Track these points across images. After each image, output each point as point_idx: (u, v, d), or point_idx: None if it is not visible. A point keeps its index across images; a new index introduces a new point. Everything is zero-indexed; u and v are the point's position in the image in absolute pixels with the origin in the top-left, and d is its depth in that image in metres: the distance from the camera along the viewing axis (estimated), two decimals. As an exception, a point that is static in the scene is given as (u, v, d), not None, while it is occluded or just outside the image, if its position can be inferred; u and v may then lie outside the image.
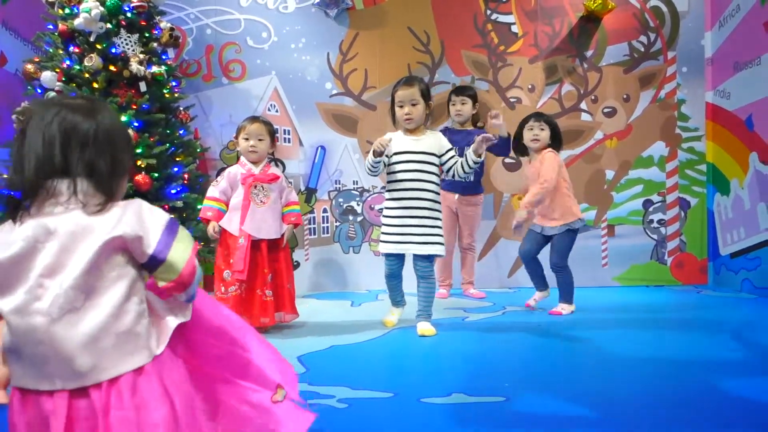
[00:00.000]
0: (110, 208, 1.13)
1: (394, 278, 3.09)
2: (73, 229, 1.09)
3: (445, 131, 4.02)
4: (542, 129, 3.52)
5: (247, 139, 3.16)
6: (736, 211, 4.43)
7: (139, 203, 1.17)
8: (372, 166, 2.99)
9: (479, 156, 2.90)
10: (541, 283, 3.66)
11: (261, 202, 3.12)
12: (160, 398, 1.11)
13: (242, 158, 3.21)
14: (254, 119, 3.26)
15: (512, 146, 3.74)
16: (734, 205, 4.45)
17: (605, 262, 4.74)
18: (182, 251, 1.14)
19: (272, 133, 3.27)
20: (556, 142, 3.58)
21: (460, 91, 4.13)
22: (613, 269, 4.72)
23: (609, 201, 4.75)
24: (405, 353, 2.68)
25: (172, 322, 1.18)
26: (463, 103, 4.04)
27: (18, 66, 4.06)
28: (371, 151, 2.93)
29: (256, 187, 3.13)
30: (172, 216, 1.24)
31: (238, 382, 1.34)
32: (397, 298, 3.18)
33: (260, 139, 3.16)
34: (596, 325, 3.22)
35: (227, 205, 3.14)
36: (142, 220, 1.14)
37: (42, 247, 1.08)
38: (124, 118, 3.60)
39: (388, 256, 3.03)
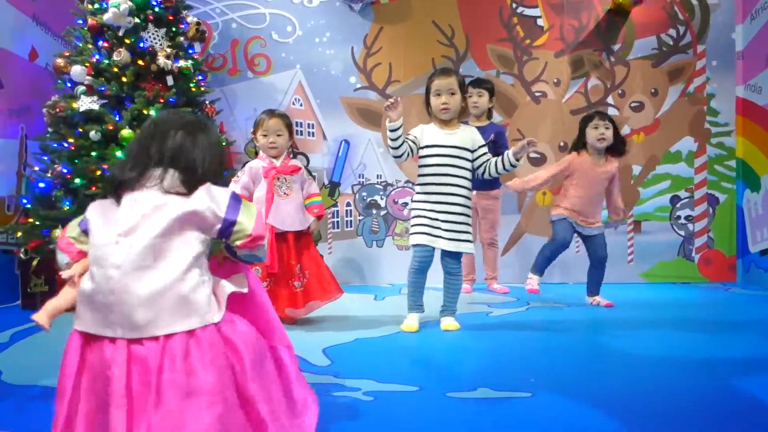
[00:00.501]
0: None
1: (421, 274, 2.91)
2: (154, 202, 1.30)
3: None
4: (607, 128, 3.45)
5: (265, 135, 3.13)
6: (766, 208, 4.35)
7: (207, 185, 1.36)
8: (392, 141, 2.83)
9: (518, 160, 2.88)
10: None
11: (284, 194, 3.10)
12: (209, 365, 1.23)
13: (261, 153, 3.21)
14: (271, 114, 3.18)
15: (574, 143, 3.64)
16: (765, 202, 4.37)
17: (631, 259, 4.69)
18: (249, 213, 1.36)
19: (290, 126, 3.22)
20: (619, 143, 3.52)
21: (477, 83, 4.00)
22: (639, 266, 4.67)
23: (636, 197, 4.69)
24: (429, 347, 2.67)
25: (229, 288, 1.35)
26: (480, 96, 3.93)
27: (48, 60, 4.13)
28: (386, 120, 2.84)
29: (278, 179, 3.11)
30: None
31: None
32: (419, 302, 2.98)
33: (279, 135, 3.13)
34: (622, 322, 3.18)
35: (250, 200, 3.16)
36: (212, 195, 1.33)
37: (126, 212, 1.30)
38: (152, 112, 3.65)
39: (420, 248, 2.87)
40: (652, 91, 4.67)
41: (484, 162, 2.95)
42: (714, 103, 4.65)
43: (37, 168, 3.73)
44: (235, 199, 1.36)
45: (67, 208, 3.50)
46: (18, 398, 1.92)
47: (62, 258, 1.43)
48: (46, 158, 3.72)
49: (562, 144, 4.70)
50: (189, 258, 1.29)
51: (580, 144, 3.56)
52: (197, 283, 1.28)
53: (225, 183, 3.77)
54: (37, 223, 3.57)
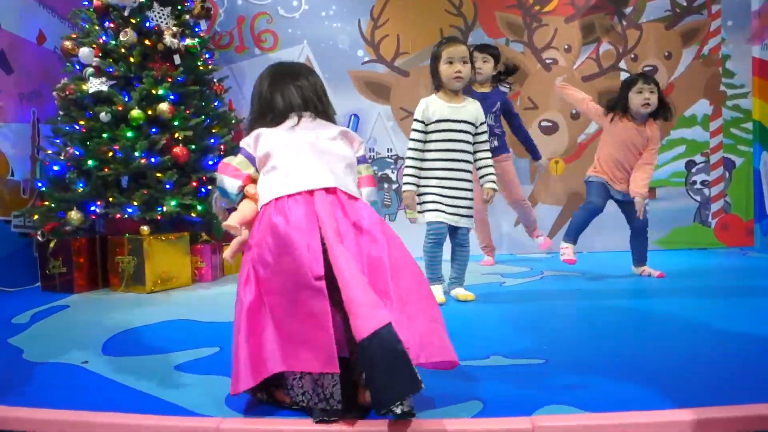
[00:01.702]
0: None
1: (438, 247, 2.93)
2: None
3: (465, 92, 3.88)
4: (652, 92, 3.29)
5: None
6: (784, 171, 4.28)
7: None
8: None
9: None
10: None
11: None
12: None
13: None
14: None
15: (614, 105, 3.44)
16: (782, 164, 4.30)
17: (646, 226, 4.63)
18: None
19: None
20: (665, 108, 3.36)
21: (482, 48, 3.88)
22: (655, 232, 4.60)
23: (650, 163, 4.62)
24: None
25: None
26: (484, 61, 3.82)
27: (56, 43, 4.14)
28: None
29: None
30: None
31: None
32: (438, 273, 2.98)
33: None
34: (639, 290, 3.17)
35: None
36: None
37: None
38: (160, 92, 3.65)
39: (435, 224, 2.88)
40: (666, 54, 4.58)
41: (478, 144, 2.96)
42: (729, 65, 4.55)
43: (50, 151, 3.77)
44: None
45: (81, 189, 3.54)
46: (40, 375, 1.96)
47: (232, 183, 1.70)
48: (58, 141, 3.75)
49: (573, 112, 4.64)
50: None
51: (619, 107, 3.39)
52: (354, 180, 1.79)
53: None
54: (53, 205, 3.61)
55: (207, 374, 1.91)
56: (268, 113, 1.79)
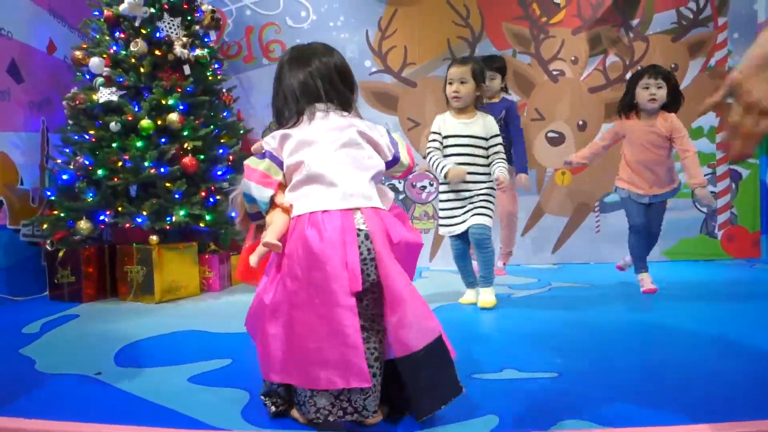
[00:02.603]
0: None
1: (462, 258, 3.14)
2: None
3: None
4: (660, 87, 3.21)
5: None
6: (791, 183, 4.29)
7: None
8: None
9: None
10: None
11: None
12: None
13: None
14: None
15: (621, 104, 3.41)
16: (789, 176, 4.31)
17: (652, 237, 4.64)
18: (404, 151, 1.77)
19: None
20: (676, 101, 3.27)
21: (488, 64, 3.85)
22: (661, 243, 4.53)
23: (656, 174, 4.63)
24: (452, 329, 2.68)
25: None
26: (492, 79, 3.86)
27: (66, 53, 4.16)
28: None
29: None
30: None
31: None
32: (470, 279, 3.20)
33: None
34: (648, 301, 3.17)
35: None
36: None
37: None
38: (170, 102, 3.67)
39: (452, 238, 3.12)
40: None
41: (492, 155, 3.08)
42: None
43: (60, 161, 3.78)
44: (391, 136, 1.75)
45: (91, 199, 3.55)
46: (53, 387, 1.96)
47: (262, 192, 1.58)
48: (68, 150, 3.76)
49: (580, 122, 4.66)
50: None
51: (626, 105, 3.34)
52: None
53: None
54: (62, 214, 3.62)
55: (221, 386, 1.91)
56: (285, 109, 1.70)
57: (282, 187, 1.62)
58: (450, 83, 3.06)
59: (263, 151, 1.65)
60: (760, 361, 2.04)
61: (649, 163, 3.29)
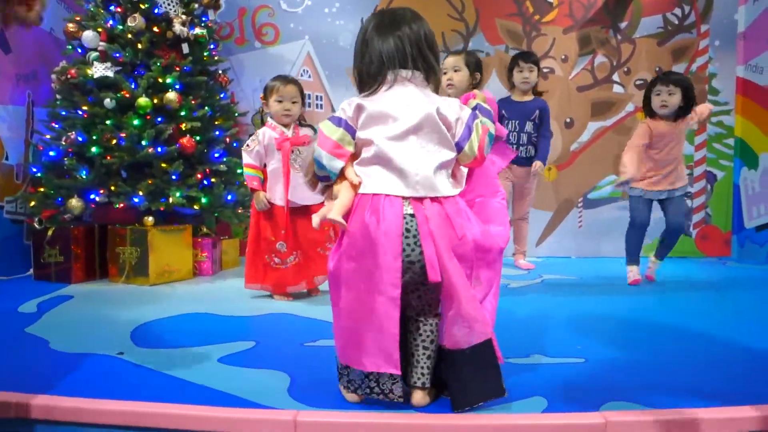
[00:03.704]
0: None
1: None
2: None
3: (503, 103, 3.96)
4: (671, 94, 3.31)
5: (280, 101, 2.98)
6: (765, 185, 4.50)
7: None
8: None
9: None
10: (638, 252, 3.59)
11: (300, 166, 2.93)
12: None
13: (270, 121, 3.04)
14: (286, 80, 3.03)
15: (645, 109, 3.51)
16: (762, 180, 4.52)
17: (632, 234, 4.80)
18: (475, 139, 1.59)
19: (303, 95, 3.11)
20: (688, 107, 3.36)
21: (527, 57, 3.94)
22: (639, 240, 4.78)
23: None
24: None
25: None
26: (530, 71, 3.89)
27: (53, 24, 4.02)
28: None
29: (293, 151, 2.97)
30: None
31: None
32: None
33: (294, 102, 3.00)
34: (634, 292, 3.28)
35: (264, 172, 3.05)
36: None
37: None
38: (168, 80, 3.58)
39: None
40: (657, 69, 4.75)
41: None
42: (715, 83, 4.76)
43: (49, 136, 3.64)
44: (472, 119, 1.61)
45: (84, 177, 3.44)
46: (79, 366, 1.91)
47: (333, 163, 1.57)
48: (57, 126, 3.63)
49: (567, 120, 4.77)
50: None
51: (649, 110, 3.45)
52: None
53: (239, 154, 3.74)
54: (51, 192, 3.50)
55: (256, 368, 1.90)
56: (368, 73, 1.61)
57: (353, 157, 1.60)
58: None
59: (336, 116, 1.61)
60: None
61: (673, 161, 3.41)
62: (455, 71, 3.16)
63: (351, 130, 1.58)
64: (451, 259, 1.50)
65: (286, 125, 3.02)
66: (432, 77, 1.63)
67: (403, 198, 1.51)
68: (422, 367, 1.59)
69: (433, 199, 1.53)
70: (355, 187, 1.56)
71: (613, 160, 4.76)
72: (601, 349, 2.12)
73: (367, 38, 1.61)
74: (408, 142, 1.54)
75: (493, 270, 1.62)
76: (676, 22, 4.74)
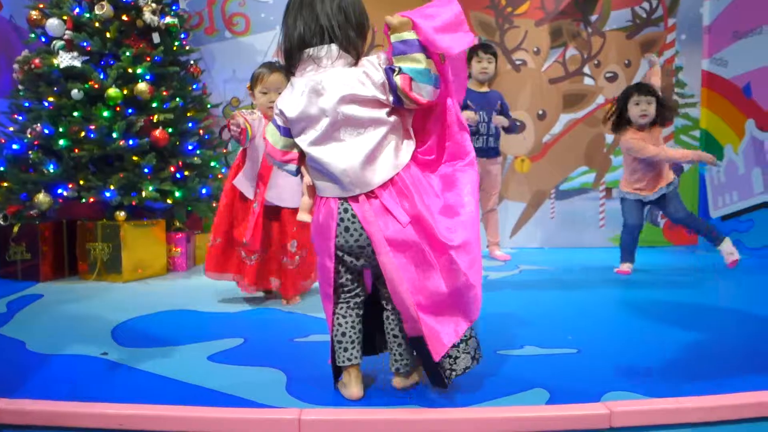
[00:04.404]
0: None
1: None
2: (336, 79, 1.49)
3: (467, 92, 3.96)
4: (650, 103, 3.43)
5: (265, 92, 2.68)
6: (729, 176, 4.63)
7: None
8: None
9: None
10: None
11: None
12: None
13: (257, 113, 2.70)
14: (272, 67, 2.70)
15: (613, 122, 3.61)
16: (727, 170, 4.64)
17: (602, 224, 4.89)
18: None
19: None
20: (662, 116, 3.51)
21: (487, 48, 3.94)
22: (609, 230, 4.88)
23: (608, 164, 4.87)
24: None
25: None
26: (489, 62, 3.89)
27: (13, 11, 3.85)
28: None
29: None
30: None
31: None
32: None
33: (280, 92, 2.78)
34: (613, 281, 3.34)
35: (251, 127, 2.58)
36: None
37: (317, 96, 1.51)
38: (138, 71, 3.47)
39: None
40: (626, 62, 4.83)
41: None
42: (682, 76, 4.86)
43: (11, 128, 3.49)
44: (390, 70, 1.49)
45: (51, 171, 3.30)
46: (60, 368, 1.83)
47: (289, 167, 1.65)
48: (20, 118, 3.48)
49: (540, 112, 4.81)
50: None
51: (622, 121, 3.53)
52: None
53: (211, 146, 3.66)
54: (16, 186, 3.36)
55: (249, 365, 1.86)
56: (286, 57, 1.56)
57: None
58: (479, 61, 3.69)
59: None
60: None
61: (656, 164, 3.53)
62: None
63: (289, 133, 1.60)
64: (386, 254, 1.49)
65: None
66: (351, 48, 1.52)
67: (340, 199, 1.53)
68: (395, 354, 1.62)
69: (368, 195, 1.51)
70: (311, 187, 1.63)
71: (584, 151, 4.83)
72: (592, 339, 2.15)
73: (284, 21, 1.57)
74: (331, 144, 1.51)
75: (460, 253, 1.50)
76: (645, 15, 4.82)
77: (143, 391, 1.63)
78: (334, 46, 1.50)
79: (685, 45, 4.84)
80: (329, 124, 1.50)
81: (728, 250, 3.53)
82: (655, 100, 3.46)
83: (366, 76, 1.49)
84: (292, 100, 1.54)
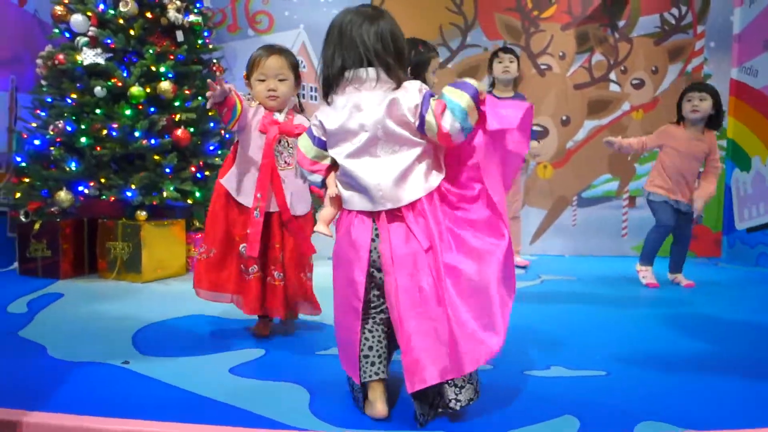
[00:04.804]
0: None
1: None
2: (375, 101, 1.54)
3: None
4: (702, 100, 3.37)
5: (263, 80, 2.22)
6: (756, 188, 4.53)
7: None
8: None
9: None
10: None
11: (285, 163, 2.23)
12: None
13: (255, 103, 2.28)
14: (271, 50, 2.25)
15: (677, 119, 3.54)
16: (755, 182, 4.55)
17: (625, 233, 4.82)
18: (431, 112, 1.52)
19: (296, 68, 2.29)
20: (718, 118, 3.43)
21: (508, 49, 3.96)
22: (632, 239, 4.80)
23: (632, 173, 4.80)
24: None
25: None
26: (511, 61, 3.86)
27: (37, 6, 3.84)
28: None
29: (280, 142, 2.22)
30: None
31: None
32: None
33: (281, 79, 2.22)
34: (641, 294, 3.28)
35: (240, 103, 2.16)
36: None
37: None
38: (161, 69, 3.45)
39: None
40: (653, 69, 4.74)
41: None
42: (710, 84, 4.76)
43: (34, 124, 3.48)
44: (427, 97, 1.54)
45: (73, 168, 3.29)
46: (82, 378, 1.81)
47: (314, 178, 1.67)
48: (42, 114, 3.47)
49: (564, 118, 4.74)
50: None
51: (678, 116, 3.51)
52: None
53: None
54: (37, 183, 3.35)
55: (269, 379, 1.83)
56: (325, 78, 1.59)
57: (335, 165, 1.64)
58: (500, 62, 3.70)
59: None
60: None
61: (687, 173, 3.46)
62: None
63: (323, 145, 1.64)
64: (391, 273, 1.52)
65: (276, 110, 2.24)
66: (392, 74, 1.54)
67: (371, 213, 1.56)
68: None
69: (395, 213, 1.54)
70: (335, 199, 1.64)
71: (608, 158, 4.76)
72: (621, 360, 2.09)
73: (323, 51, 1.61)
74: (366, 158, 1.56)
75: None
76: (673, 22, 4.73)
77: (166, 406, 1.60)
78: (371, 70, 1.54)
79: (713, 53, 4.74)
80: (368, 139, 1.54)
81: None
82: (710, 97, 3.38)
83: (402, 96, 1.53)
84: (332, 113, 1.59)
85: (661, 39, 4.73)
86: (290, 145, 2.24)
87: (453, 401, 1.52)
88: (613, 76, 4.74)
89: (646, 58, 4.73)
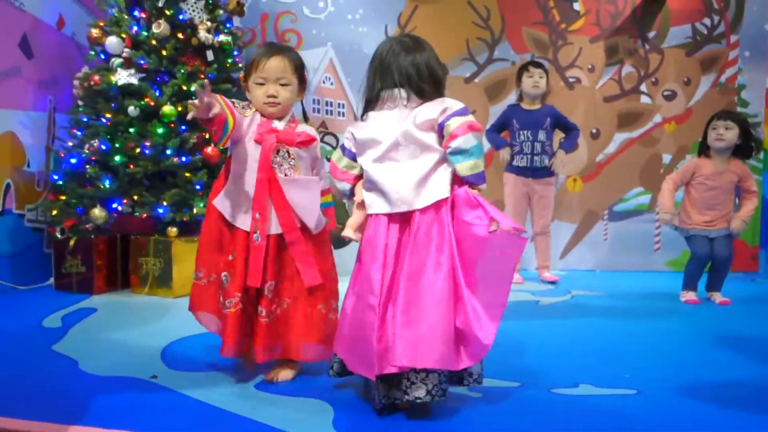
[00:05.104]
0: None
1: None
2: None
3: (512, 111, 3.98)
4: (728, 128, 3.30)
5: (262, 83, 1.93)
6: (795, 200, 4.41)
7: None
8: None
9: None
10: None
11: (285, 176, 1.93)
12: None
13: (252, 109, 1.99)
14: (273, 50, 1.96)
15: (699, 147, 3.50)
16: (793, 194, 4.43)
17: (658, 247, 4.72)
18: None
19: (300, 70, 2.01)
20: (747, 147, 3.35)
21: (537, 63, 4.02)
22: (665, 254, 4.70)
23: (664, 186, 4.70)
24: (510, 340, 2.63)
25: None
26: (541, 77, 3.92)
27: (75, 29, 3.97)
28: None
29: (279, 152, 1.93)
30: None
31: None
32: None
33: (283, 84, 1.94)
34: (671, 309, 3.20)
35: (233, 117, 1.84)
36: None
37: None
38: (192, 88, 3.52)
39: None
40: (685, 80, 4.66)
41: None
42: (745, 94, 4.66)
43: (71, 143, 3.58)
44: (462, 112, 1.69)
45: (107, 186, 3.37)
46: (111, 391, 1.85)
47: (342, 186, 1.83)
48: (79, 133, 3.57)
49: (594, 131, 4.69)
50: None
51: (703, 147, 3.44)
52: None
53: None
54: (73, 200, 3.44)
55: (294, 395, 1.84)
56: (366, 105, 1.80)
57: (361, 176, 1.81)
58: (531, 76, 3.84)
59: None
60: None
61: (717, 204, 3.39)
62: None
63: (353, 156, 1.81)
64: (407, 279, 1.63)
65: (276, 118, 1.96)
66: (426, 97, 1.71)
67: (389, 215, 1.69)
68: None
69: (409, 216, 1.67)
70: (361, 204, 1.77)
71: (639, 172, 4.68)
72: (652, 379, 2.04)
73: (366, 76, 1.79)
74: (388, 163, 1.71)
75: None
76: (705, 32, 4.65)
77: (191, 420, 1.62)
78: (404, 90, 1.70)
79: (748, 62, 4.64)
80: (390, 144, 1.70)
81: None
82: (737, 126, 3.30)
83: (427, 106, 1.70)
84: (364, 125, 1.77)
85: (693, 49, 4.66)
86: (291, 156, 1.94)
87: (403, 393, 1.61)
88: (643, 87, 4.67)
89: (677, 69, 4.65)
